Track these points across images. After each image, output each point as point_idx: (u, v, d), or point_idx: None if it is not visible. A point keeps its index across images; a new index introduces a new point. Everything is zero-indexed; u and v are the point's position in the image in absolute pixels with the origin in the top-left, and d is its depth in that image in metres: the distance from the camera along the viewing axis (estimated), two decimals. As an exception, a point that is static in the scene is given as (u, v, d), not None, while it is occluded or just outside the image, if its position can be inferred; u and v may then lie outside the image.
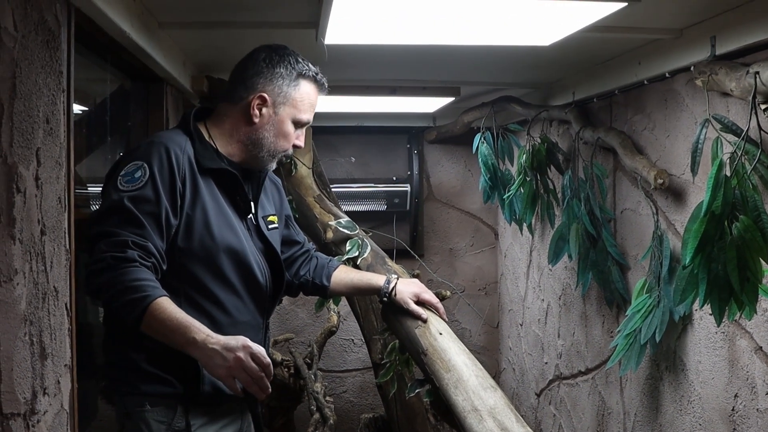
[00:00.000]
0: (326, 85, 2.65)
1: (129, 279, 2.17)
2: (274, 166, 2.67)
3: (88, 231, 2.29)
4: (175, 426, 2.40)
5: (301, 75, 2.57)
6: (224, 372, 2.15)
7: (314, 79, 2.61)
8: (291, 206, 3.88)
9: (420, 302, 2.89)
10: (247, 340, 2.18)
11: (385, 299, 2.91)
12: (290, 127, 2.58)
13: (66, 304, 2.13)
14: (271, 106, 2.55)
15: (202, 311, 2.41)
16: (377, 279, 2.96)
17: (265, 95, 2.54)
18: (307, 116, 2.61)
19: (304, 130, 2.66)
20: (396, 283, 2.90)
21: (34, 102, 1.91)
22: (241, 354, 2.14)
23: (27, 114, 1.87)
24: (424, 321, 2.86)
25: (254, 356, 2.15)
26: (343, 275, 2.97)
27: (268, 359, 2.18)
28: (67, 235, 2.15)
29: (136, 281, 2.18)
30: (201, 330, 2.18)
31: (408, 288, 2.91)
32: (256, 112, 2.54)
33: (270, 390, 2.20)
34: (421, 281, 3.07)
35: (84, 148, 3.17)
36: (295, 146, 2.63)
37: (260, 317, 2.62)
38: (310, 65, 2.60)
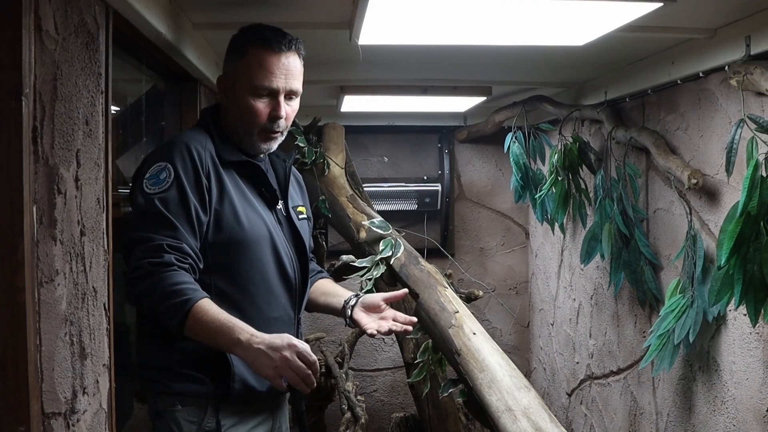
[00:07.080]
0: (280, 42, 2.44)
1: (168, 284, 2.15)
2: (273, 145, 2.54)
3: (122, 238, 2.28)
4: (205, 426, 2.37)
5: (246, 43, 2.47)
6: (272, 372, 2.11)
7: (261, 41, 2.45)
8: (323, 206, 3.87)
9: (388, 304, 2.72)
10: (292, 337, 2.13)
11: (349, 312, 2.69)
12: (252, 101, 2.44)
13: (104, 304, 2.15)
14: (231, 86, 2.49)
15: (234, 306, 2.35)
16: (338, 300, 2.73)
17: (224, 76, 2.52)
18: (264, 82, 2.43)
19: (281, 98, 2.45)
20: (357, 301, 2.68)
21: (75, 104, 1.93)
22: (287, 353, 2.09)
23: (68, 116, 1.89)
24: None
25: (300, 354, 2.10)
26: (323, 286, 2.80)
27: (314, 356, 2.13)
28: (105, 236, 2.17)
29: (175, 285, 2.15)
30: (245, 330, 2.14)
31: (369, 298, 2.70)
32: (223, 96, 2.52)
33: (315, 384, 2.16)
34: (452, 280, 3.04)
35: (120, 148, 3.19)
36: (275, 117, 2.46)
37: (291, 311, 2.57)
38: (264, 30, 2.46)
